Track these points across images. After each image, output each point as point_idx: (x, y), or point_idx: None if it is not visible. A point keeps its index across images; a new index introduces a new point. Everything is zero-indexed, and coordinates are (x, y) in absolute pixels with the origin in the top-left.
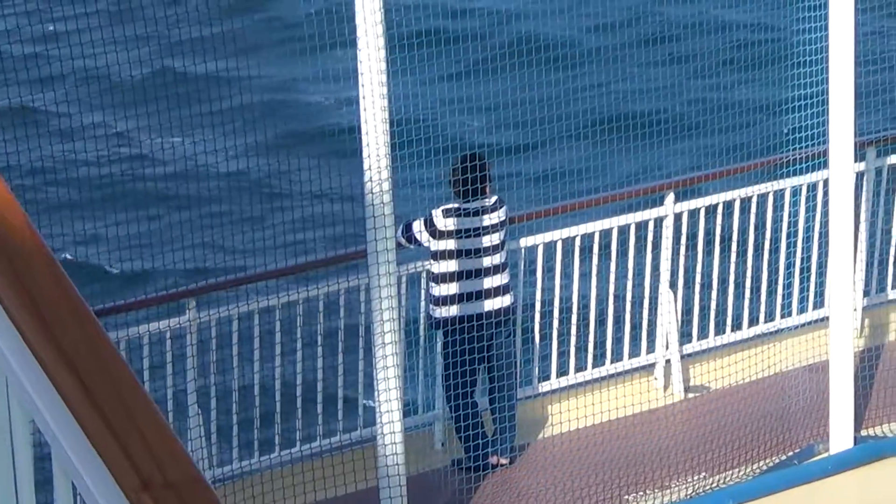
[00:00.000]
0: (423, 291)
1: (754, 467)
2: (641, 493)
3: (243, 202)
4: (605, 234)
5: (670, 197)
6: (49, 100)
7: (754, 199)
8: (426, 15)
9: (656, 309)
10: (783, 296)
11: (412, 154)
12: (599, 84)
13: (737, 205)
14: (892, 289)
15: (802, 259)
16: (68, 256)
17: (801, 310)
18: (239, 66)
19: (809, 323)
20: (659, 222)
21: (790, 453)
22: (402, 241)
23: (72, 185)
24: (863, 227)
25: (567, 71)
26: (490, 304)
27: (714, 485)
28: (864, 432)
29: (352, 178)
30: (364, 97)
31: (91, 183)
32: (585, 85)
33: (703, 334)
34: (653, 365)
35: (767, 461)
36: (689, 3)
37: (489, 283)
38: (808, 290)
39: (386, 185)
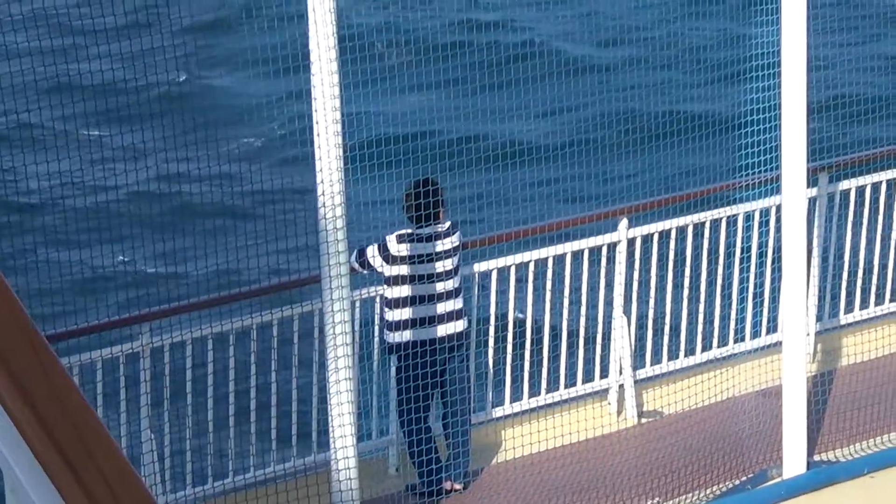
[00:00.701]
0: (376, 317)
1: (707, 492)
2: None
3: (196, 225)
4: (559, 259)
5: (623, 222)
6: None
7: (707, 225)
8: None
9: (610, 334)
10: (737, 321)
11: (366, 179)
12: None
13: (690, 230)
14: (845, 314)
15: (756, 284)
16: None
17: (755, 335)
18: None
19: (763, 348)
20: (612, 248)
21: (743, 478)
22: (356, 266)
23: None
24: (815, 251)
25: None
26: (443, 330)
27: None
28: (816, 457)
29: (305, 204)
30: (318, 122)
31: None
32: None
33: (656, 359)
34: (606, 390)
35: (721, 486)
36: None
37: (442, 308)
38: (761, 315)
39: (339, 211)
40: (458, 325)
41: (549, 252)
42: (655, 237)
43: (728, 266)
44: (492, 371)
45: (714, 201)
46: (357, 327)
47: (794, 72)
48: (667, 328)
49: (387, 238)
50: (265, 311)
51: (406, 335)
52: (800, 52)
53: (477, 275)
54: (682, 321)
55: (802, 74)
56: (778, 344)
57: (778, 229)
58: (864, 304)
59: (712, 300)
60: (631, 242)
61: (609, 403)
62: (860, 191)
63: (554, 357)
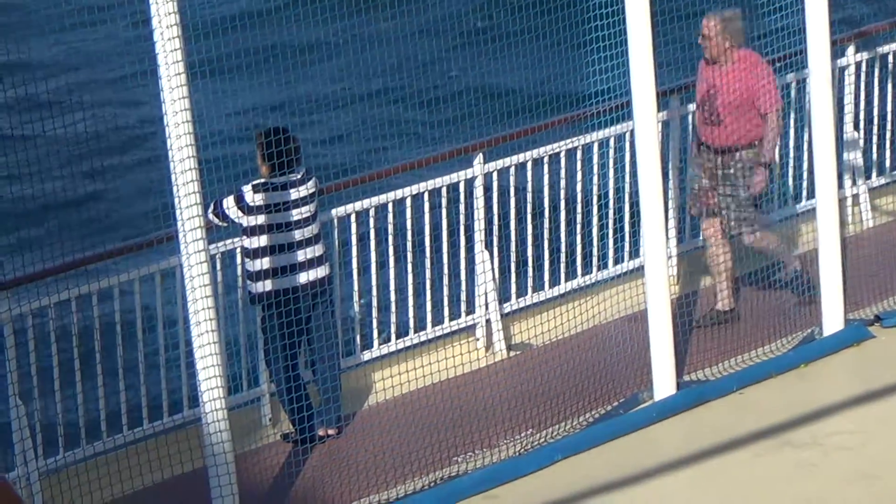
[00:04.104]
0: (238, 268)
1: (580, 420)
2: (470, 454)
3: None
4: (418, 198)
5: (479, 158)
6: None
7: (563, 155)
8: None
9: (474, 270)
10: (599, 248)
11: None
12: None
13: (546, 161)
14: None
15: (615, 210)
16: None
17: (618, 261)
18: None
19: (626, 273)
20: (470, 183)
21: (615, 403)
22: (214, 218)
23: None
24: (671, 174)
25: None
26: (305, 277)
27: (542, 440)
28: (686, 378)
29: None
30: (163, 75)
31: None
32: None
33: (522, 293)
34: (474, 326)
35: (593, 413)
36: None
37: (302, 255)
38: (623, 242)
39: (191, 163)
40: (321, 272)
41: (407, 192)
42: (512, 170)
43: (587, 194)
44: (358, 314)
45: (568, 131)
46: (219, 279)
47: None
48: (530, 260)
49: (242, 189)
50: (127, 271)
51: (268, 284)
52: None
53: (336, 220)
54: (545, 252)
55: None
56: (641, 269)
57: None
58: None
59: (573, 230)
60: (488, 178)
61: (477, 339)
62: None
63: (421, 297)
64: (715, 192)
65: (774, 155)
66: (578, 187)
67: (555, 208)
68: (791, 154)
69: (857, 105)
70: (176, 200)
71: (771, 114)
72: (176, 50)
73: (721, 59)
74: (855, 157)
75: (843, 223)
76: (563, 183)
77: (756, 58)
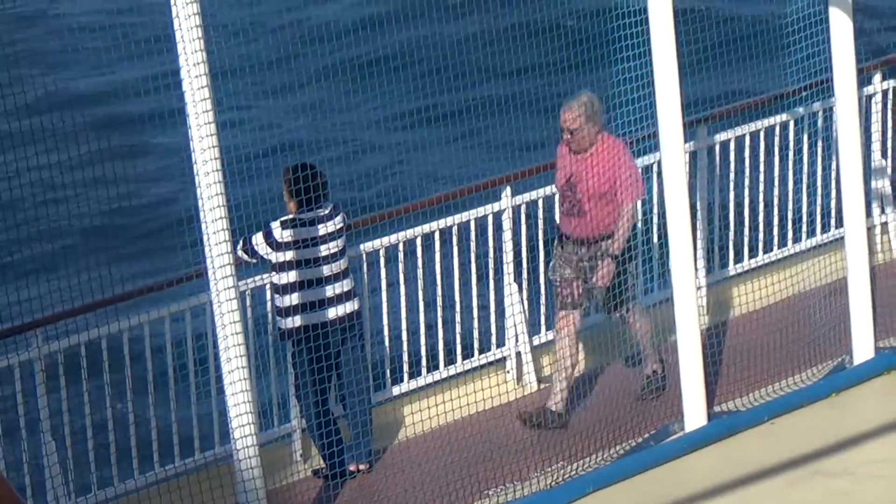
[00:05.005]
0: (268, 304)
1: (612, 452)
2: (502, 487)
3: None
4: (446, 232)
5: (507, 190)
6: None
7: None
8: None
9: (503, 302)
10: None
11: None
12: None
13: None
14: (735, 265)
15: (645, 241)
16: None
17: (646, 292)
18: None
19: (656, 304)
20: (498, 216)
21: (646, 435)
22: (243, 255)
23: None
24: (700, 205)
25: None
26: (334, 312)
27: (574, 472)
28: (717, 408)
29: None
30: (191, 113)
31: None
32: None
33: (551, 325)
34: (504, 359)
35: (624, 445)
36: None
37: (331, 290)
38: (653, 273)
39: (220, 200)
40: (349, 307)
41: (434, 227)
42: (541, 203)
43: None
44: (389, 349)
45: None
46: (249, 316)
47: (663, 24)
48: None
49: (271, 225)
50: (156, 308)
51: (298, 320)
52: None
53: (364, 254)
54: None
55: (670, 26)
56: (671, 299)
57: (661, 185)
58: (753, 254)
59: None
60: (516, 210)
61: (508, 371)
62: (739, 141)
63: (451, 330)
64: (579, 284)
65: (622, 245)
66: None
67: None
68: (819, 182)
69: (884, 133)
70: (205, 237)
71: (628, 204)
72: (203, 87)
73: (586, 148)
74: (883, 185)
75: (871, 251)
76: None
77: (619, 144)
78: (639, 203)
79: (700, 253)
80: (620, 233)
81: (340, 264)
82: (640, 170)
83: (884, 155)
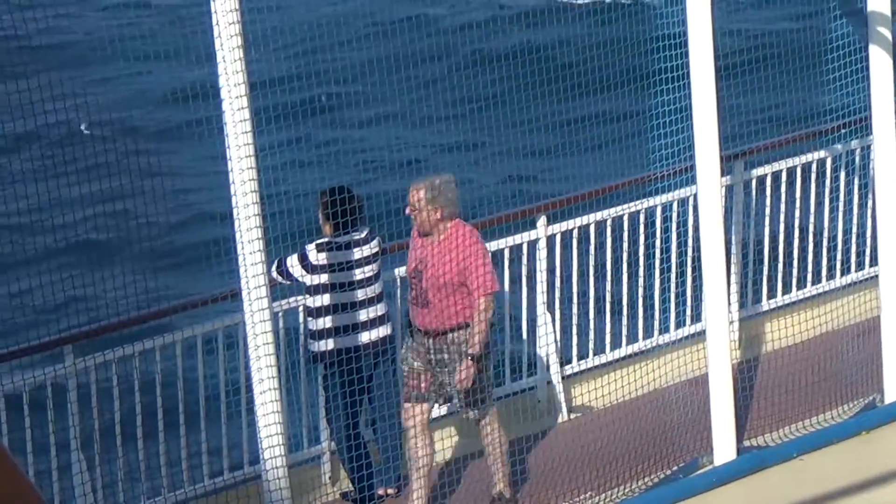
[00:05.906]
0: (301, 326)
1: (640, 483)
2: None
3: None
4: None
5: (542, 220)
6: None
7: (626, 218)
8: None
9: (535, 332)
10: (661, 311)
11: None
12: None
13: (609, 224)
14: (768, 300)
15: (678, 274)
16: None
17: (680, 324)
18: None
19: (688, 337)
20: (532, 245)
21: (675, 468)
22: (278, 277)
23: None
24: (734, 239)
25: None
26: (367, 336)
27: (602, 503)
28: (746, 443)
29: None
30: (228, 133)
31: None
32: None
33: (583, 354)
34: (534, 387)
35: (653, 477)
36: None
37: (365, 315)
38: (684, 306)
39: (256, 221)
40: (382, 331)
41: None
42: (575, 233)
43: (650, 257)
44: None
45: (630, 195)
46: (281, 338)
47: (703, 61)
48: (591, 323)
49: (306, 247)
50: (189, 326)
51: (330, 343)
52: (707, 40)
53: (399, 280)
54: (607, 315)
55: (710, 63)
56: (703, 333)
57: (697, 219)
58: (787, 290)
59: (635, 294)
60: (550, 239)
61: (539, 401)
62: (776, 176)
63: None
64: (428, 376)
65: (480, 344)
66: (641, 251)
67: (617, 271)
68: (854, 220)
69: None
70: (240, 258)
71: (481, 298)
72: (243, 108)
73: (432, 232)
74: None
75: None
76: (625, 246)
77: (472, 234)
78: (490, 299)
79: (734, 287)
80: (476, 330)
81: (375, 288)
82: (492, 263)
83: None
